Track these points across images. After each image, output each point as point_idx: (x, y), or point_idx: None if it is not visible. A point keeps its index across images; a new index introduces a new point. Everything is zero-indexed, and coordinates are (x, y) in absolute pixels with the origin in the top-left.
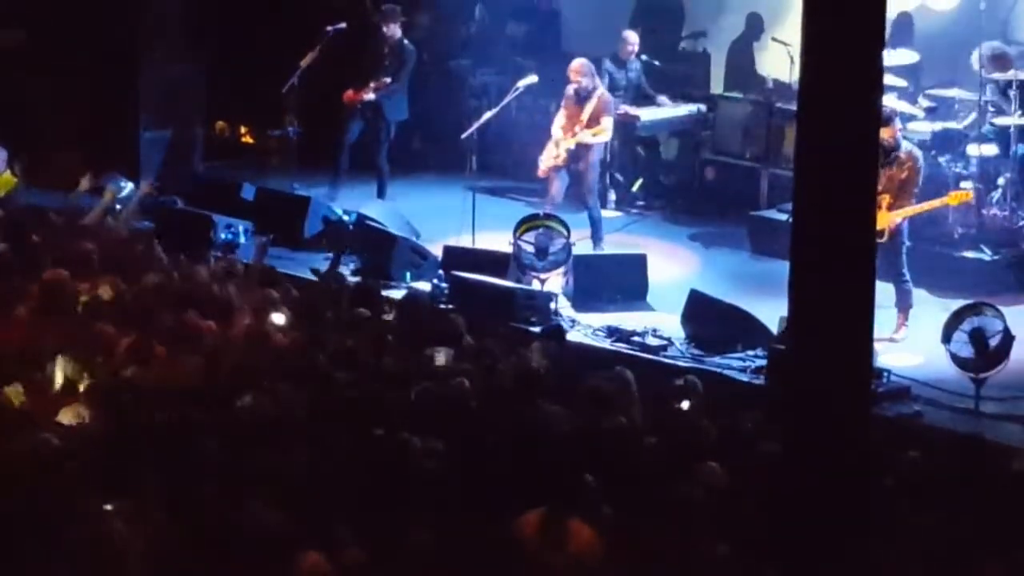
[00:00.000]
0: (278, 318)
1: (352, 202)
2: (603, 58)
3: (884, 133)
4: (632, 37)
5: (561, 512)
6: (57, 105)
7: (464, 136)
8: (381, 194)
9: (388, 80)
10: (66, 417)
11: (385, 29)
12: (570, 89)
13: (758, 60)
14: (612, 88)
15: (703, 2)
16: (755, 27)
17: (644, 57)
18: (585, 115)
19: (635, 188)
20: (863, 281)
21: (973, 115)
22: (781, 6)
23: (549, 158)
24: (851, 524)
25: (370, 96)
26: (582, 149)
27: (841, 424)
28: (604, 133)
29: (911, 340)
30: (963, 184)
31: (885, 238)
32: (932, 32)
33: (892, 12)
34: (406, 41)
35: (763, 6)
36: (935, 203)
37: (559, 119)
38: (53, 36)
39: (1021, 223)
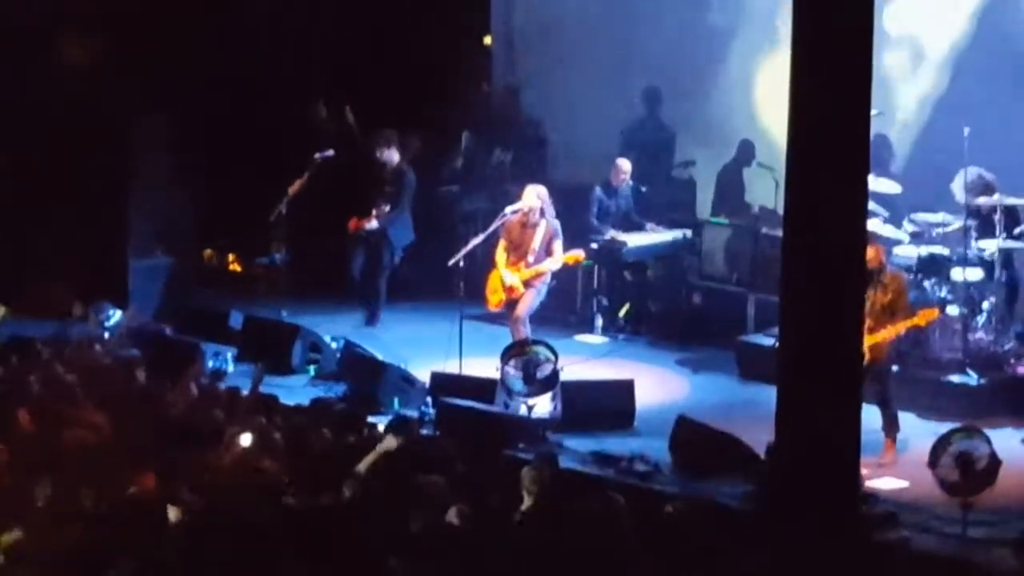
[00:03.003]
0: (245, 439)
1: (340, 328)
2: (594, 185)
3: (867, 254)
4: (625, 165)
5: None
6: (45, 233)
7: (451, 262)
8: (372, 319)
9: (388, 208)
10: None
11: (380, 154)
12: (517, 215)
13: (746, 186)
14: (601, 215)
15: (692, 129)
16: (746, 153)
17: (631, 183)
18: (536, 242)
19: (622, 313)
20: (849, 405)
21: (958, 230)
22: (767, 133)
23: (503, 291)
24: None
25: (373, 224)
26: (536, 278)
27: (829, 549)
28: (576, 258)
29: (898, 464)
30: (948, 309)
31: (867, 361)
32: (916, 156)
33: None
34: (405, 165)
35: (752, 134)
36: (906, 324)
37: (501, 251)
38: (40, 165)
39: (1006, 347)
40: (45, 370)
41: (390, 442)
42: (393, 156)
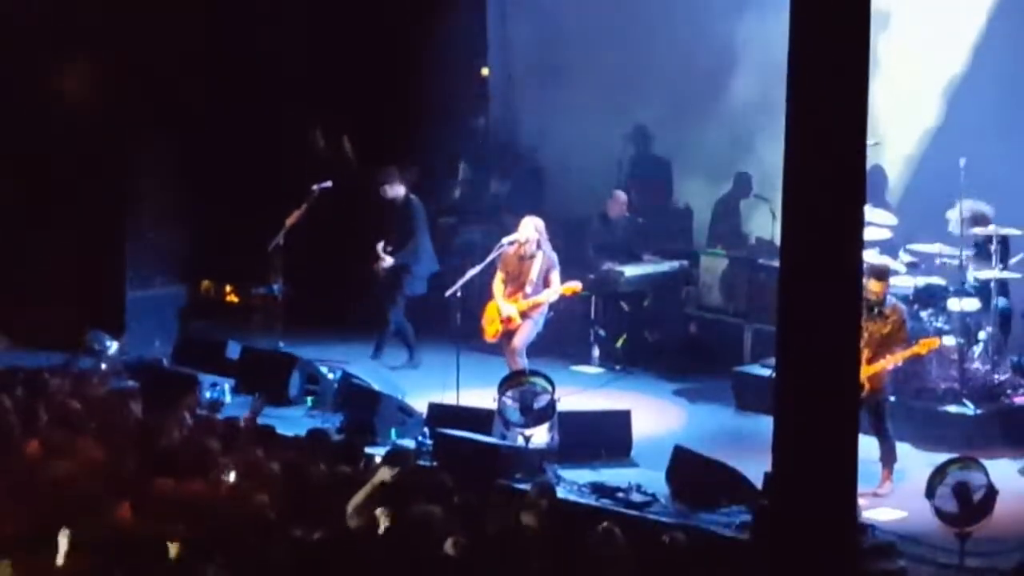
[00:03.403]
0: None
1: (339, 359)
2: (591, 216)
3: (876, 287)
4: (622, 196)
5: None
6: (43, 264)
7: (448, 293)
8: (379, 348)
9: (401, 243)
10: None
11: (385, 192)
12: (514, 247)
13: (742, 217)
14: (599, 246)
15: (690, 161)
16: (744, 185)
17: (628, 214)
18: (534, 274)
19: (619, 344)
20: (847, 436)
21: (954, 266)
22: (765, 166)
23: (500, 322)
24: None
25: (389, 262)
26: (533, 309)
27: None
28: (574, 290)
29: (895, 495)
30: (944, 339)
31: (865, 392)
32: (913, 187)
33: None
34: (412, 196)
35: (749, 165)
36: (905, 353)
37: (498, 282)
38: (39, 194)
39: (1003, 377)
40: (51, 400)
41: (384, 473)
42: (399, 191)
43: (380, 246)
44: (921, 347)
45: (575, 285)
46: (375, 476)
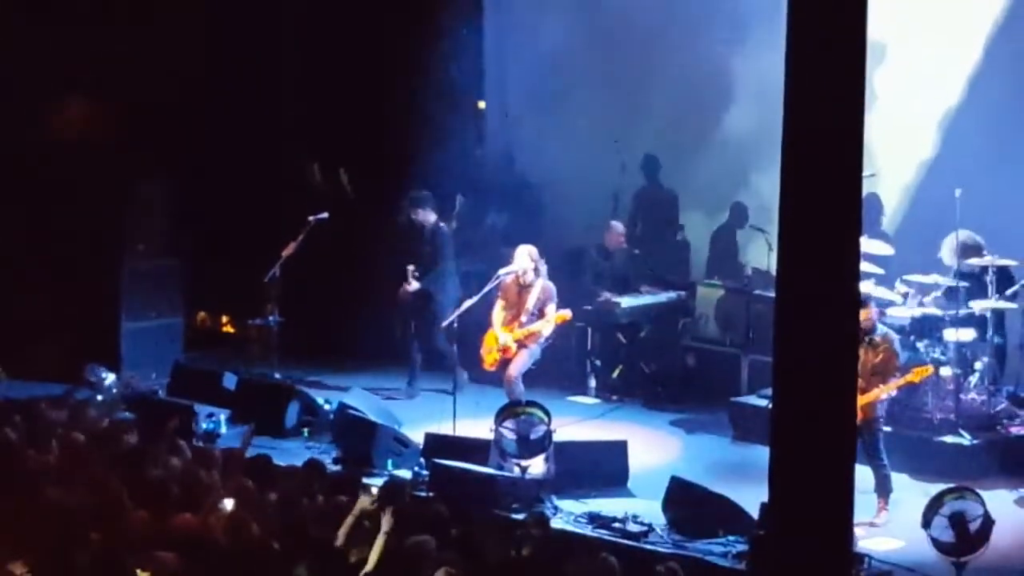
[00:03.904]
0: (228, 504)
1: (338, 389)
2: (587, 247)
3: (861, 314)
4: (620, 228)
5: None
6: (39, 297)
7: (445, 324)
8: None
9: (416, 277)
10: None
11: (416, 215)
12: (511, 276)
13: (739, 248)
14: (596, 276)
15: (687, 193)
16: (740, 216)
17: (625, 246)
18: (530, 303)
19: (615, 375)
20: (843, 466)
21: (951, 296)
22: (762, 197)
23: (497, 351)
24: None
25: (415, 286)
26: (529, 338)
27: None
28: (563, 318)
29: (891, 524)
30: (941, 370)
31: (859, 421)
32: (909, 218)
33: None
34: (441, 224)
35: (745, 196)
36: (900, 382)
37: (498, 310)
38: (36, 226)
39: (999, 407)
40: (50, 432)
41: (364, 501)
42: (430, 217)
43: (411, 269)
44: (915, 375)
45: (565, 313)
46: (356, 506)
